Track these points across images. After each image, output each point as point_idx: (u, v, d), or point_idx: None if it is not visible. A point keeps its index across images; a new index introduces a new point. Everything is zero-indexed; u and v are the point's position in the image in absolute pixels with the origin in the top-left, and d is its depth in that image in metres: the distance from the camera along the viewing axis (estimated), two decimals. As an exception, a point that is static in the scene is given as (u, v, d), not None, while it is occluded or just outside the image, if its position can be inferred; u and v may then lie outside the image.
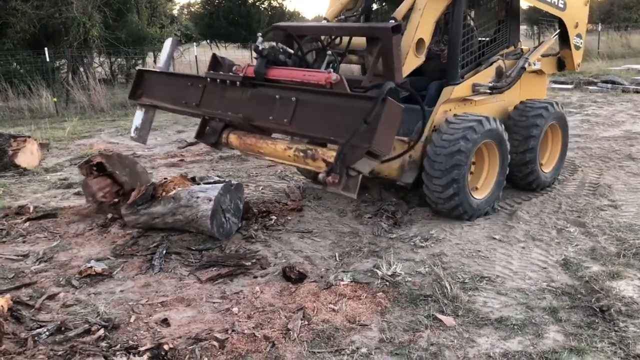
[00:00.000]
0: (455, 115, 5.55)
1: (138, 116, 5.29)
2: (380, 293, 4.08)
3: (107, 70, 19.99)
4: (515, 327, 3.63)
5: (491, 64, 6.05)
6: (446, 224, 5.43)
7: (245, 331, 3.58)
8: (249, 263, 4.51)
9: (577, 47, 7.32)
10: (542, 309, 3.84)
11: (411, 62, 5.09)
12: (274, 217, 5.62)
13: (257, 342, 3.47)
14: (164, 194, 4.98)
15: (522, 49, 6.64)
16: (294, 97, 3.81)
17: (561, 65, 7.38)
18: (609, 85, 14.40)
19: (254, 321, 3.72)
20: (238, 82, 4.22)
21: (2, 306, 3.62)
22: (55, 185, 7.31)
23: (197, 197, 4.82)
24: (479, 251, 4.84)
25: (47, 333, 3.54)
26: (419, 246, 4.94)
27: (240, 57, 19.95)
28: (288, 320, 3.73)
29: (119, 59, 20.25)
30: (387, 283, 4.22)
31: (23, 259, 4.83)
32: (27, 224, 5.66)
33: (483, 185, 5.77)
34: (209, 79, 4.46)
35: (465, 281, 4.27)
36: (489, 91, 5.85)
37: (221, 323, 3.71)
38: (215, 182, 5.29)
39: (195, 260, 4.71)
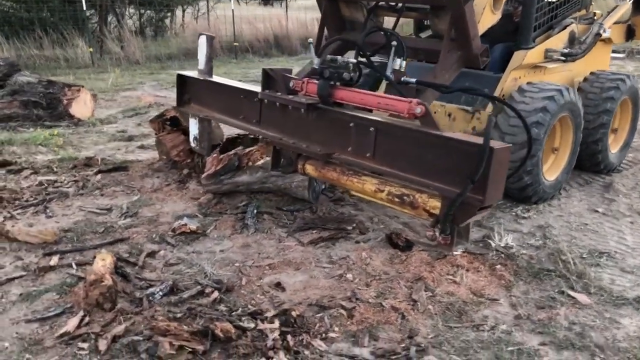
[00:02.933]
0: (528, 83, 5.04)
1: (193, 125, 4.90)
2: (499, 266, 3.84)
3: (136, 23, 19.52)
4: (658, 308, 3.39)
5: (564, 27, 5.52)
6: (540, 194, 5.17)
7: (370, 300, 3.36)
8: (350, 227, 4.27)
9: None
10: (679, 290, 3.60)
11: (487, 20, 4.46)
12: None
13: (385, 312, 3.26)
14: (249, 163, 4.71)
15: (594, 13, 6.12)
16: (373, 127, 3.37)
17: (630, 34, 6.84)
18: (622, 55, 13.81)
19: (374, 289, 3.50)
20: (302, 110, 3.71)
21: (110, 263, 3.41)
22: (115, 137, 7.07)
23: None
24: (586, 224, 4.58)
25: (160, 293, 3.33)
26: (522, 217, 4.69)
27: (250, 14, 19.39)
28: (409, 290, 3.51)
29: (149, 11, 19.72)
30: (502, 255, 3.98)
31: (107, 212, 4.62)
32: (98, 176, 5.43)
33: (553, 165, 5.19)
34: (266, 100, 3.98)
35: (583, 256, 4.03)
36: (562, 58, 5.26)
37: (339, 290, 3.49)
38: None
39: (289, 221, 4.48)
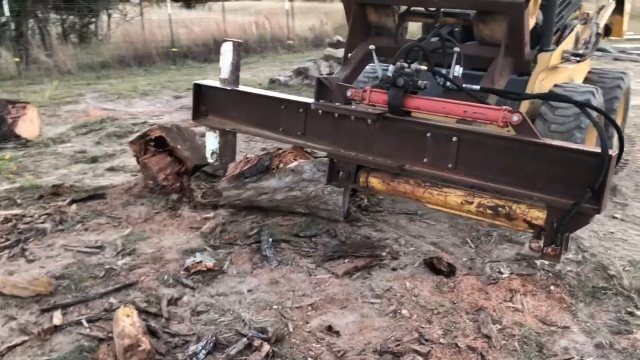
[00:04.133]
0: (556, 85, 4.97)
1: (211, 139, 4.40)
2: (552, 287, 3.60)
3: (58, 29, 18.17)
4: None
5: (572, 29, 5.54)
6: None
7: (441, 340, 3.02)
8: (384, 253, 3.91)
9: (627, 13, 6.98)
10: None
11: (529, 25, 4.29)
12: (361, 196, 5.01)
13: (463, 353, 2.92)
14: (280, 165, 4.24)
15: (588, 13, 6.17)
16: (455, 137, 3.13)
17: (607, 32, 6.98)
18: (599, 53, 14.39)
19: (438, 326, 3.16)
20: (370, 120, 3.44)
21: (138, 320, 2.88)
22: (75, 159, 6.36)
23: (325, 171, 4.12)
24: (612, 232, 4.46)
25: (203, 352, 2.84)
26: (547, 228, 4.50)
27: (186, 17, 18.72)
28: (475, 323, 3.20)
29: (71, 17, 18.40)
30: (550, 274, 3.76)
31: (100, 251, 4.03)
32: (73, 206, 4.79)
33: None
34: (337, 115, 3.58)
35: (627, 269, 3.87)
36: (576, 59, 5.32)
37: (401, 330, 3.12)
38: None
39: (311, 250, 4.07)
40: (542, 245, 2.91)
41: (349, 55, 4.57)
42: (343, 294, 3.49)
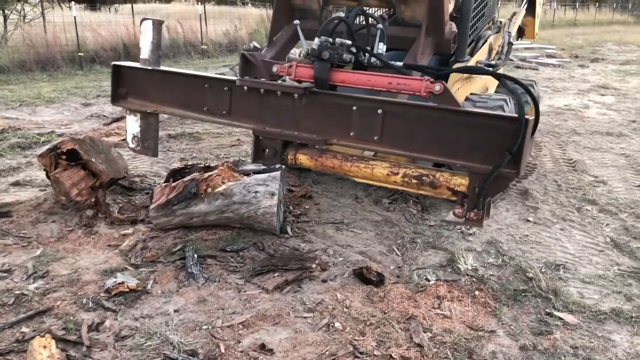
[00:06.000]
0: (472, 93, 5.19)
1: (132, 123, 4.17)
2: (477, 292, 3.72)
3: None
4: (635, 319, 3.48)
5: (485, 40, 5.81)
6: (469, 207, 5.22)
7: (376, 353, 3.02)
8: (314, 265, 3.88)
9: (538, 15, 7.43)
10: (641, 297, 3.76)
11: (449, 7, 4.55)
12: (290, 206, 4.96)
13: (397, 364, 2.94)
14: (208, 190, 4.08)
15: (500, 21, 6.49)
16: (380, 110, 3.18)
17: (520, 33, 7.39)
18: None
19: (371, 337, 3.17)
20: (296, 95, 3.41)
21: (57, 351, 2.67)
22: (-29, 173, 5.86)
23: (256, 192, 4.02)
24: (527, 236, 4.67)
25: (131, 381, 2.69)
26: (467, 233, 4.65)
27: (93, 20, 18.00)
28: (407, 333, 3.23)
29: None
30: (474, 279, 3.88)
31: (8, 275, 3.72)
32: (-26, 226, 4.41)
33: None
34: (262, 91, 3.52)
35: (543, 270, 4.06)
36: (490, 69, 5.58)
37: (335, 344, 3.10)
38: (264, 170, 4.40)
39: (239, 264, 3.97)
40: (465, 211, 3.02)
41: (274, 37, 4.68)
42: (274, 310, 3.42)
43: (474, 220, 3.02)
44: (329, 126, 3.38)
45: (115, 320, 3.27)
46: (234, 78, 3.69)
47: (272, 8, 5.00)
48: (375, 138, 3.22)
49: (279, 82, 3.60)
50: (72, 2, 16.13)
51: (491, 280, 3.89)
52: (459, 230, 4.68)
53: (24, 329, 3.12)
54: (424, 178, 3.19)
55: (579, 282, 3.95)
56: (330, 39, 3.39)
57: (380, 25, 3.69)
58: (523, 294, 3.72)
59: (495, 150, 2.83)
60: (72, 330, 3.12)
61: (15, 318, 3.22)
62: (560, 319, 3.45)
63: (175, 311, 3.39)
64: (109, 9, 30.78)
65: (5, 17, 17.73)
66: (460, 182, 3.09)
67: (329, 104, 3.38)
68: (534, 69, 15.19)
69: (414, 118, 3.13)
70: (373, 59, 3.57)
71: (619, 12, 44.02)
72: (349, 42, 3.42)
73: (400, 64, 3.63)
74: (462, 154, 2.97)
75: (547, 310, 3.54)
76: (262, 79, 3.65)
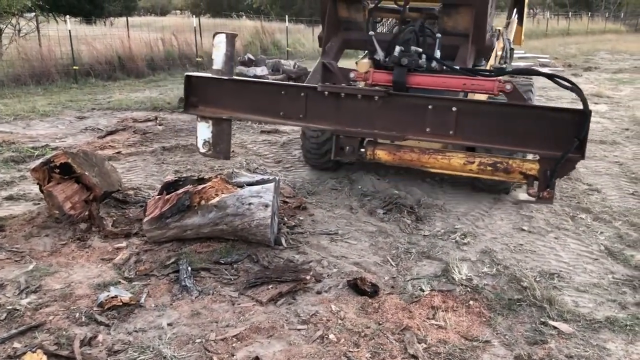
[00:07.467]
0: None
1: (203, 129, 4.21)
2: (471, 302, 3.71)
3: None
4: (630, 328, 3.48)
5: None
6: (464, 216, 5.23)
7: (370, 364, 3.01)
8: (308, 276, 3.87)
9: (523, 23, 7.66)
10: (636, 305, 3.75)
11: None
12: (284, 218, 4.96)
13: (392, 376, 2.93)
14: (202, 202, 4.08)
15: (499, 30, 6.65)
16: (455, 107, 3.41)
17: None
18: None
19: (366, 349, 3.16)
20: (376, 97, 3.60)
21: (48, 366, 2.66)
22: (-36, 187, 5.84)
23: (250, 204, 4.02)
24: (522, 245, 4.67)
25: (123, 396, 2.67)
26: (462, 243, 4.65)
27: (88, 33, 18.03)
28: (402, 344, 3.22)
29: None
30: (469, 289, 3.87)
31: (0, 290, 3.70)
32: (-33, 241, 4.39)
33: None
34: (343, 95, 3.71)
35: (537, 279, 4.06)
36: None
37: (329, 356, 3.09)
38: (258, 181, 4.43)
39: (233, 277, 3.95)
40: (537, 191, 3.32)
41: (326, 46, 5.22)
42: (268, 322, 3.41)
43: (547, 197, 3.31)
44: (405, 124, 3.61)
45: (108, 334, 3.25)
46: (311, 85, 3.93)
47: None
48: (450, 133, 3.45)
49: (359, 86, 3.96)
50: (67, 16, 16.19)
51: (486, 289, 3.88)
52: (454, 240, 4.68)
53: (16, 345, 3.11)
54: (498, 165, 3.53)
55: (574, 290, 3.95)
56: (402, 47, 3.75)
57: (439, 35, 4.05)
58: (518, 303, 3.72)
59: (562, 138, 3.14)
60: (64, 345, 3.10)
61: (7, 333, 3.20)
62: (555, 328, 3.45)
63: (169, 325, 3.37)
64: (104, 22, 30.97)
65: (0, 31, 17.80)
66: (531, 167, 3.41)
67: (404, 104, 3.60)
68: (527, 78, 15.23)
69: (486, 114, 3.40)
70: (434, 64, 3.86)
71: (612, 21, 44.43)
72: (420, 49, 3.77)
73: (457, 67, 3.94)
74: (534, 143, 3.25)
75: (542, 319, 3.53)
76: (342, 85, 3.92)
